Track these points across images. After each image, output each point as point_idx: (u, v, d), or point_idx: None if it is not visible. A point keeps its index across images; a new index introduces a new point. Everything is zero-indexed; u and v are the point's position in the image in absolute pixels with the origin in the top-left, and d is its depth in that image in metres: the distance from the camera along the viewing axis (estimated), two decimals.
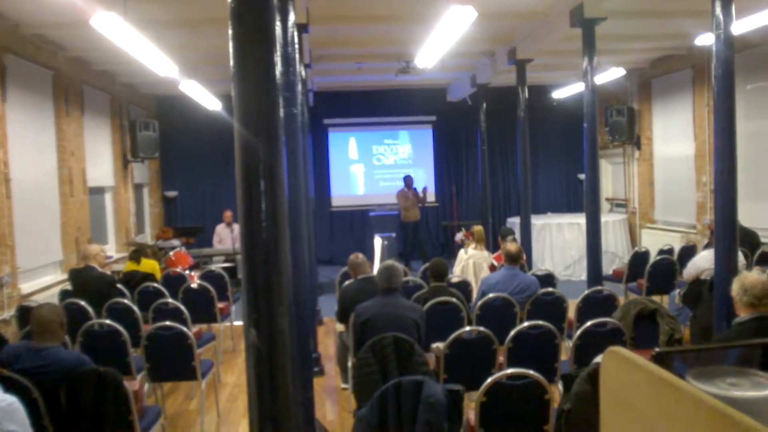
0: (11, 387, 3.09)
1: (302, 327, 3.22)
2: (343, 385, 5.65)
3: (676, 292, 6.55)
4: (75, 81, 8.05)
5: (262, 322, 1.82)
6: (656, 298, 6.49)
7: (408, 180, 11.55)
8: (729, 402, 0.82)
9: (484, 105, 10.33)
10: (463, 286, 6.09)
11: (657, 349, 1.07)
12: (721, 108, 4.46)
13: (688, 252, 7.68)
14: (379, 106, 12.43)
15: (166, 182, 12.10)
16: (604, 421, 1.04)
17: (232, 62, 1.92)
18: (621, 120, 10.75)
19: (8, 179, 6.17)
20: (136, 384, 3.74)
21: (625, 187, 11.68)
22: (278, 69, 1.96)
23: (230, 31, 1.89)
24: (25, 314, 5.52)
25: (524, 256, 6.29)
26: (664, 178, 10.54)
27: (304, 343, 3.34)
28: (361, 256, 5.57)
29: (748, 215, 7.01)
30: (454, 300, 5.01)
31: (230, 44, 1.90)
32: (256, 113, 1.89)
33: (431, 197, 12.98)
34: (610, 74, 9.49)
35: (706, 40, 7.22)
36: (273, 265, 1.82)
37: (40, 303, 5.01)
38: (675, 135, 10.08)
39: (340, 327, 5.43)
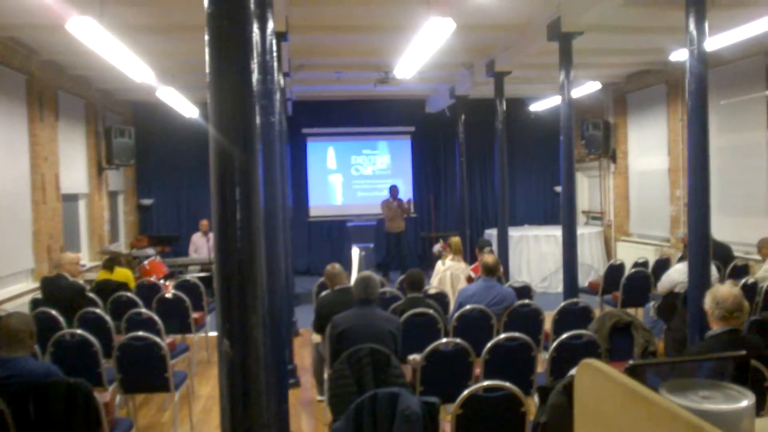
0: None
1: (278, 338, 3.18)
2: (319, 397, 5.61)
3: (651, 304, 6.61)
4: (49, 86, 7.94)
5: (235, 333, 1.80)
6: (631, 310, 6.54)
7: (394, 190, 11.58)
8: (702, 415, 0.82)
9: (463, 116, 10.38)
10: (441, 298, 6.09)
11: (631, 362, 1.07)
12: (694, 123, 4.53)
13: (663, 265, 7.77)
14: (358, 116, 12.44)
15: (141, 190, 11.96)
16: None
17: (208, 69, 1.91)
18: (597, 134, 10.88)
19: None
20: (107, 395, 3.67)
21: (601, 200, 11.81)
22: (255, 77, 1.95)
23: (206, 37, 1.88)
24: None
25: (501, 268, 6.31)
26: (638, 192, 10.68)
27: (280, 354, 3.31)
28: (338, 266, 5.54)
29: (720, 229, 7.12)
30: (431, 311, 5.00)
31: (206, 50, 1.88)
32: (231, 120, 1.87)
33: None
34: (586, 88, 9.62)
35: (680, 55, 7.35)
36: (247, 275, 1.80)
37: (9, 312, 4.90)
38: (649, 149, 10.23)
39: (316, 338, 5.40)
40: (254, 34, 1.91)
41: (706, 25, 4.48)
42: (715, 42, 6.16)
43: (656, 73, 9.68)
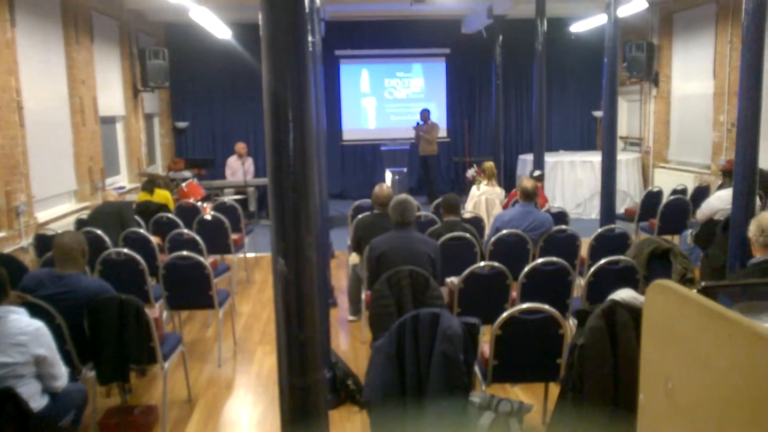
0: (35, 312, 3.16)
1: (322, 258, 3.25)
2: (351, 317, 5.76)
3: (688, 232, 6.55)
4: (83, 7, 7.88)
5: (290, 252, 1.84)
6: (668, 237, 6.50)
7: (424, 114, 11.47)
8: None
9: (500, 38, 10.07)
10: (476, 222, 6.11)
11: (703, 283, 1.07)
12: (749, 45, 4.32)
13: (702, 192, 7.64)
14: (392, 37, 12.15)
15: (176, 113, 12.00)
16: (646, 354, 1.05)
17: None
18: (640, 56, 10.49)
19: (21, 107, 6.13)
20: (155, 311, 3.81)
21: (641, 125, 11.52)
22: None
23: None
24: (42, 242, 5.61)
25: (540, 193, 6.28)
26: (680, 117, 10.38)
27: (323, 273, 3.39)
28: (386, 187, 5.54)
29: (764, 156, 6.92)
30: (467, 235, 5.03)
31: None
32: (283, 42, 1.84)
33: (443, 132, 12.87)
34: (632, 7, 9.20)
35: None
36: (301, 196, 1.82)
37: (59, 231, 5.08)
38: (694, 72, 9.86)
39: (353, 259, 5.48)
40: None
41: None
42: None
43: None
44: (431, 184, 11.61)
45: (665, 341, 0.97)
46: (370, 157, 12.54)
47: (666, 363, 0.97)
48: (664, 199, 7.29)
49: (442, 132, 12.86)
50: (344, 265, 7.21)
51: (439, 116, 12.91)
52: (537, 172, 7.42)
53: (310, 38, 3.31)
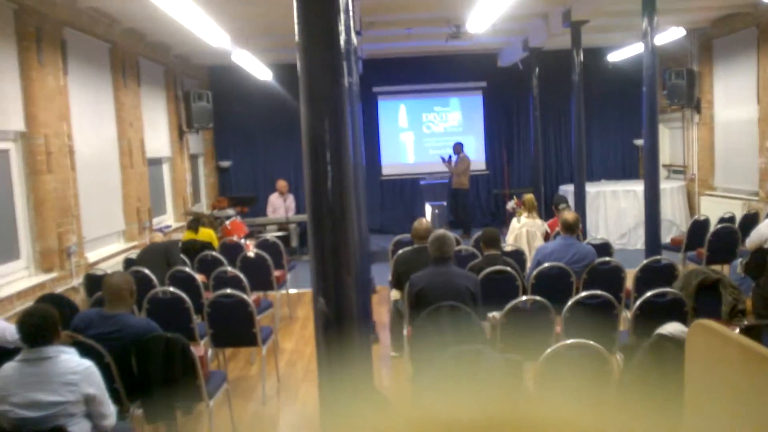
0: (85, 352, 3.25)
1: (363, 295, 3.26)
2: (393, 353, 5.73)
3: (738, 261, 6.36)
4: (131, 53, 8.21)
5: (329, 291, 1.86)
6: (717, 267, 6.32)
7: (457, 147, 11.49)
8: None
9: (537, 69, 10.10)
10: (518, 255, 6.05)
11: (746, 323, 1.05)
12: None
13: (751, 220, 7.42)
14: (429, 72, 12.28)
15: (219, 152, 12.29)
16: (689, 394, 1.03)
17: (297, 30, 1.92)
18: (680, 83, 10.36)
19: (72, 151, 6.38)
20: (201, 349, 3.88)
21: (684, 152, 11.31)
22: (342, 38, 1.96)
23: (295, 1, 1.89)
24: (92, 282, 5.77)
25: (581, 226, 6.20)
26: (725, 144, 10.16)
27: (364, 310, 3.40)
28: (425, 221, 5.56)
29: None
30: (509, 269, 4.99)
31: (295, 12, 1.90)
32: (321, 83, 1.90)
33: (481, 165, 12.87)
34: (669, 35, 9.14)
35: None
36: (340, 234, 1.85)
37: (109, 272, 5.23)
38: (737, 98, 9.68)
39: (395, 294, 5.49)
40: None
41: None
42: None
43: (745, 17, 9.08)
44: (466, 216, 11.56)
45: (708, 382, 0.96)
46: (409, 191, 12.59)
47: (709, 404, 0.95)
48: (712, 228, 7.12)
49: (481, 165, 12.87)
50: (386, 300, 7.21)
51: (477, 148, 12.92)
52: (562, 205, 7.31)
53: (347, 78, 3.39)
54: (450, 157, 11.49)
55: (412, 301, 4.39)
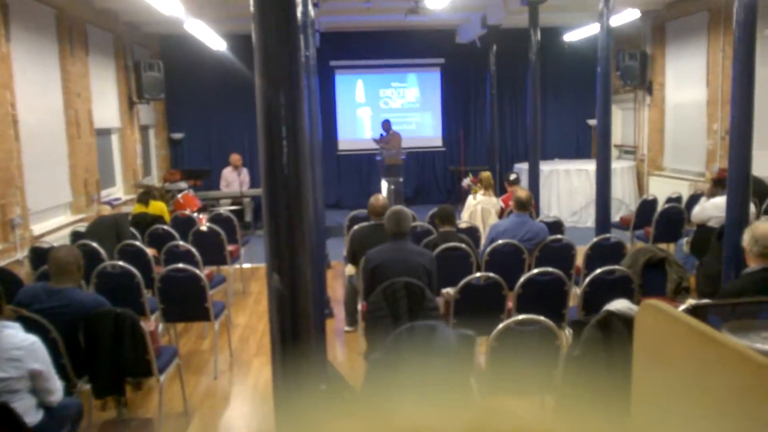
0: (31, 327, 3.16)
1: (318, 271, 3.25)
2: (347, 328, 5.75)
3: (684, 240, 6.57)
4: (78, 19, 7.90)
5: (284, 268, 1.84)
6: (663, 246, 6.52)
7: (386, 124, 11.41)
8: (765, 355, 0.83)
9: (494, 47, 10.13)
10: (472, 232, 6.12)
11: (692, 302, 1.08)
12: (740, 54, 4.36)
13: (697, 200, 7.64)
14: (387, 47, 12.19)
15: (171, 124, 12.00)
16: (638, 373, 1.05)
17: (251, 1, 1.87)
18: (633, 64, 10.55)
19: (16, 120, 6.13)
20: (151, 324, 3.81)
21: (635, 133, 11.57)
22: (299, 9, 1.92)
23: None
24: (37, 255, 5.60)
25: (534, 203, 6.29)
26: (674, 125, 10.43)
27: (319, 286, 3.39)
28: (381, 197, 5.55)
29: (758, 164, 6.95)
30: (463, 246, 5.04)
31: None
32: (277, 56, 1.85)
33: (438, 142, 12.92)
34: (624, 16, 9.26)
35: None
36: (295, 212, 1.83)
37: (56, 245, 5.08)
38: (688, 81, 9.92)
39: (349, 270, 5.49)
40: None
41: None
42: None
43: (698, 1, 9.28)
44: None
45: (656, 361, 0.98)
46: (365, 166, 12.56)
47: (657, 381, 0.98)
48: (659, 207, 7.32)
49: (437, 141, 12.92)
50: (341, 275, 7.21)
51: (434, 125, 12.96)
52: (513, 175, 7.47)
53: (304, 50, 3.33)
54: (382, 135, 11.39)
55: (368, 277, 4.40)
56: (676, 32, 10.17)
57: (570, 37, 11.24)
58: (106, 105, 8.91)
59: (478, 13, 10.05)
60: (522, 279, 4.24)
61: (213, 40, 9.39)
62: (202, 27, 8.37)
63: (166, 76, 10.19)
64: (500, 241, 5.19)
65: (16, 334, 2.92)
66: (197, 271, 4.64)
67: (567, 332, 4.19)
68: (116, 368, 3.59)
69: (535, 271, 4.34)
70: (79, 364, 3.56)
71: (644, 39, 11.01)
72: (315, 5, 7.06)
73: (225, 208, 8.89)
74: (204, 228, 6.58)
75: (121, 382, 3.71)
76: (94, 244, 5.41)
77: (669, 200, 7.56)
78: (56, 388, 3.06)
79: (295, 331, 1.87)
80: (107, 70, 9.10)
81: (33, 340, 2.95)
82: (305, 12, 2.92)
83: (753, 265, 3.53)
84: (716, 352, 0.82)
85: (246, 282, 7.39)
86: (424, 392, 2.96)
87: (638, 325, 1.08)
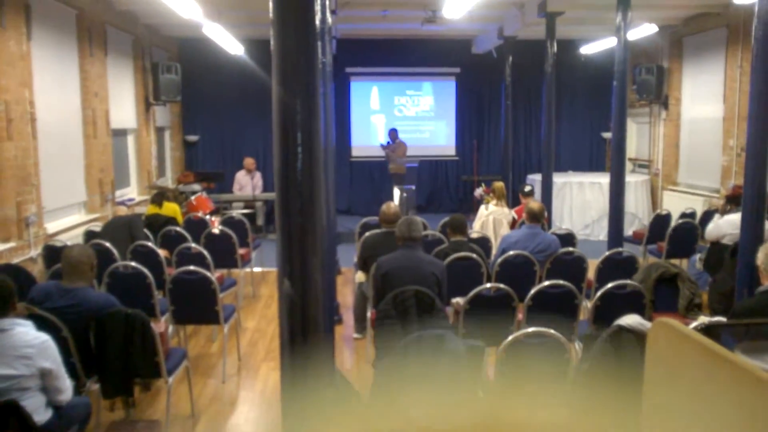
0: (42, 325, 3.18)
1: (328, 277, 3.25)
2: (356, 335, 5.75)
3: (697, 256, 6.52)
4: (98, 21, 7.98)
5: (295, 274, 1.84)
6: (676, 261, 6.47)
7: (392, 133, 11.42)
8: None
9: (510, 58, 10.12)
10: (483, 242, 6.10)
11: (705, 319, 1.07)
12: (759, 70, 4.33)
13: (711, 216, 7.59)
14: (403, 55, 12.21)
15: (187, 126, 12.08)
16: (648, 390, 1.05)
17: (271, 6, 1.88)
18: (650, 78, 10.51)
19: (34, 118, 6.20)
20: (161, 326, 3.83)
21: (650, 147, 11.51)
22: (318, 17, 1.93)
23: None
24: (51, 253, 5.64)
25: (546, 215, 6.27)
26: (689, 140, 10.36)
27: (329, 293, 3.39)
28: (393, 205, 5.55)
29: None
30: (474, 256, 5.03)
31: None
32: (295, 62, 1.86)
33: (451, 151, 12.92)
34: (641, 30, 9.24)
35: None
36: (308, 219, 1.83)
37: (68, 243, 5.12)
38: (704, 96, 9.86)
39: (359, 277, 5.48)
40: None
41: None
42: None
43: (716, 17, 9.23)
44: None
45: (668, 379, 0.97)
46: (378, 173, 12.56)
47: (669, 400, 0.97)
48: (673, 223, 7.27)
49: (451, 151, 12.92)
50: (350, 281, 7.21)
51: (448, 134, 12.97)
52: (527, 187, 7.44)
53: (320, 57, 3.35)
54: (388, 143, 11.41)
55: (378, 284, 4.39)
56: (693, 47, 10.13)
57: (586, 49, 11.22)
58: (122, 106, 8.99)
59: (494, 24, 10.06)
60: (533, 291, 4.22)
61: (231, 45, 9.45)
62: (221, 31, 8.43)
63: (183, 78, 10.27)
64: (511, 252, 5.18)
65: (27, 332, 2.94)
66: (208, 274, 4.66)
67: (577, 346, 4.17)
68: (125, 369, 3.60)
69: (546, 283, 4.31)
70: (89, 364, 3.58)
71: (661, 53, 10.96)
72: (333, 12, 7.10)
73: (237, 211, 8.92)
74: (216, 231, 6.61)
75: (129, 382, 3.73)
76: (107, 244, 5.44)
77: (683, 216, 7.51)
78: (66, 387, 3.08)
79: (305, 336, 1.87)
80: (125, 71, 9.19)
81: (45, 338, 2.97)
82: (323, 19, 2.94)
83: (767, 283, 3.49)
84: (729, 373, 0.81)
85: (256, 286, 7.41)
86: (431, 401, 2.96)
87: (651, 342, 1.08)
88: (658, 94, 10.63)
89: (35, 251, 6.03)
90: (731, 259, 5.07)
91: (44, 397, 3.01)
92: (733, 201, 6.24)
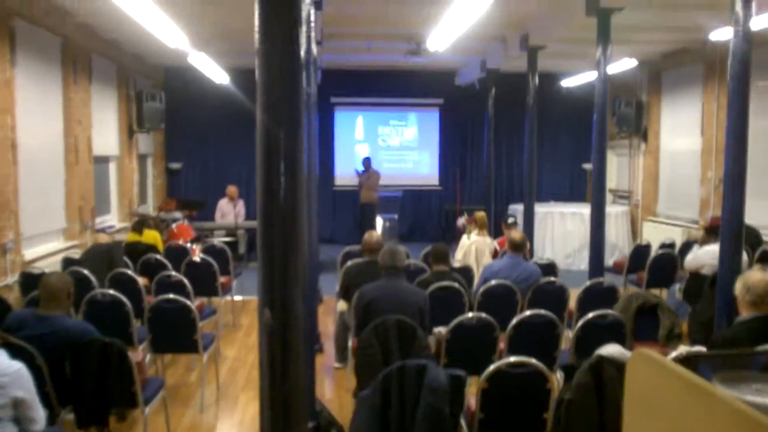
0: (16, 353, 3.11)
1: (309, 306, 3.24)
2: (337, 364, 5.70)
3: (676, 286, 6.57)
4: (83, 48, 7.99)
5: (276, 304, 1.83)
6: (656, 291, 6.52)
7: (366, 162, 11.55)
8: (757, 408, 0.83)
9: (493, 90, 10.27)
10: (466, 272, 6.11)
11: (684, 349, 1.08)
12: (734, 106, 4.43)
13: (690, 247, 7.68)
14: (387, 86, 12.34)
15: (170, 154, 12.06)
16: (628, 421, 1.05)
17: (257, 37, 1.90)
18: (629, 112, 10.71)
19: (15, 144, 6.15)
20: (138, 355, 3.77)
21: (629, 179, 11.67)
22: (303, 48, 1.95)
23: (256, 8, 1.87)
24: (28, 281, 5.56)
25: (528, 245, 6.30)
26: (669, 172, 10.53)
27: (310, 322, 3.37)
28: (375, 235, 5.55)
29: (751, 213, 7.00)
30: (456, 285, 5.03)
31: (256, 21, 1.88)
32: (279, 92, 1.87)
33: (434, 181, 13.00)
34: (621, 65, 9.44)
35: (720, 35, 7.17)
36: (291, 248, 1.83)
37: (46, 271, 5.04)
38: (682, 129, 10.06)
39: (341, 306, 5.45)
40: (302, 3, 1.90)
41: (753, 3, 4.36)
42: (761, 22, 5.98)
43: (694, 53, 9.47)
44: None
45: (647, 410, 0.98)
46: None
47: (648, 431, 0.97)
48: (653, 253, 7.34)
49: (434, 180, 13.01)
50: (332, 310, 7.17)
51: (431, 164, 13.07)
52: (510, 219, 7.48)
53: (305, 87, 3.37)
54: (363, 172, 11.51)
55: (360, 313, 4.37)
56: (672, 82, 10.35)
57: (567, 82, 11.43)
58: (105, 133, 8.96)
59: (478, 57, 10.22)
60: (514, 320, 4.22)
61: (216, 73, 9.50)
62: (206, 60, 8.48)
63: (167, 106, 10.29)
64: (493, 282, 5.18)
65: (1, 360, 2.87)
66: (188, 303, 4.61)
67: (558, 375, 4.16)
68: (101, 398, 3.53)
69: (528, 312, 4.32)
70: (64, 393, 3.50)
71: (640, 87, 11.19)
72: (318, 44, 7.18)
73: (219, 239, 8.87)
74: (197, 259, 6.56)
75: (105, 412, 3.65)
76: (86, 272, 5.38)
77: (662, 246, 7.59)
78: (39, 417, 3.00)
79: (285, 367, 1.85)
80: (109, 99, 9.18)
81: (18, 366, 2.90)
82: (308, 50, 2.97)
83: (745, 313, 3.53)
84: (707, 405, 0.82)
85: (236, 314, 7.34)
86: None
87: (630, 373, 1.08)
88: (638, 126, 10.82)
89: (12, 278, 5.94)
90: (710, 289, 5.11)
91: (16, 428, 2.93)
92: (712, 232, 6.32)
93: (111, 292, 4.74)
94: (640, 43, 9.27)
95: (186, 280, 5.52)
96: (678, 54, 9.88)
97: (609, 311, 4.39)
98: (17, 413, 2.90)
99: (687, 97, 9.83)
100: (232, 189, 10.70)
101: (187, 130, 11.88)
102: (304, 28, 1.93)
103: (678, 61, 9.98)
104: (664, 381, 0.92)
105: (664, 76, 10.52)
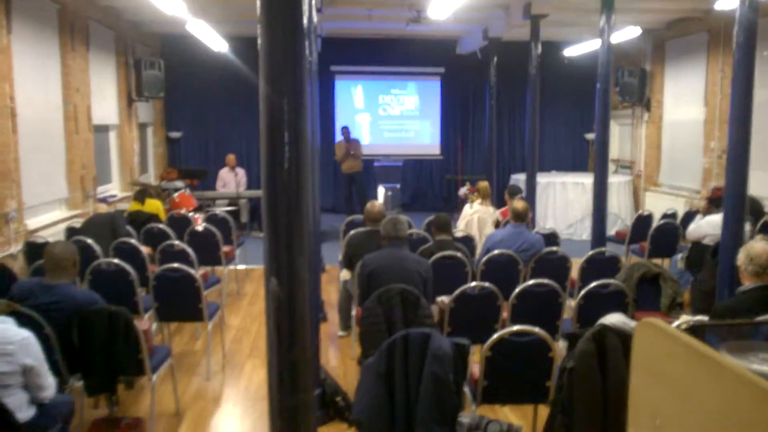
0: (24, 322, 3.15)
1: (313, 275, 3.26)
2: (341, 333, 5.75)
3: (678, 256, 6.60)
4: (80, 16, 7.90)
5: (282, 272, 1.84)
6: (658, 261, 6.55)
7: (345, 131, 11.43)
8: (763, 376, 0.84)
9: (495, 59, 10.17)
10: (468, 241, 6.13)
11: (687, 318, 1.09)
12: (739, 75, 4.39)
13: (692, 217, 7.69)
14: (388, 55, 12.22)
15: (170, 123, 12.00)
16: (634, 389, 1.06)
17: (258, 5, 1.87)
18: (632, 81, 10.62)
19: (14, 113, 6.12)
20: (144, 323, 3.80)
21: (632, 149, 11.63)
22: (306, 16, 1.92)
23: None
24: (32, 250, 5.58)
25: (531, 215, 6.31)
26: (671, 142, 10.49)
27: (314, 291, 3.39)
28: (377, 204, 5.56)
29: (755, 183, 6.99)
30: (459, 255, 5.05)
31: None
32: (283, 62, 1.86)
33: (435, 150, 12.96)
34: (625, 33, 9.33)
35: (726, 3, 7.07)
36: (296, 217, 1.83)
37: (50, 240, 5.06)
38: (686, 99, 9.98)
39: (344, 275, 5.49)
40: None
41: None
42: None
43: (698, 21, 9.35)
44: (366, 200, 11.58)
45: (654, 378, 0.99)
46: (363, 172, 12.54)
47: (654, 399, 0.99)
48: (655, 223, 7.35)
49: (435, 150, 12.97)
50: (335, 279, 7.21)
51: (432, 134, 13.00)
52: (515, 188, 7.44)
53: (310, 57, 3.34)
54: (344, 140, 11.37)
55: (363, 282, 4.40)
56: (675, 51, 10.24)
57: (570, 51, 11.31)
58: (105, 101, 8.91)
59: (479, 26, 10.10)
60: (517, 290, 4.25)
61: (214, 41, 9.40)
62: (205, 27, 8.38)
63: (166, 74, 10.20)
64: (496, 251, 5.20)
65: (9, 328, 2.91)
66: (192, 271, 4.64)
67: (561, 344, 4.20)
68: (109, 366, 3.57)
69: (531, 282, 4.34)
70: (72, 361, 3.54)
71: (644, 56, 11.08)
72: (318, 10, 7.09)
73: (221, 209, 8.88)
74: (199, 228, 6.57)
75: (113, 380, 3.70)
76: (89, 241, 5.40)
77: (664, 216, 7.59)
78: (48, 384, 3.05)
79: (292, 335, 1.87)
80: (107, 67, 9.10)
81: (26, 335, 2.94)
82: (309, 17, 2.93)
83: (747, 283, 3.55)
84: (715, 373, 0.83)
85: (240, 283, 7.38)
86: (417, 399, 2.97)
87: (636, 342, 1.09)
88: (641, 96, 10.74)
89: (16, 248, 5.96)
90: (712, 259, 5.13)
91: (27, 395, 2.98)
92: (714, 202, 6.33)
93: (115, 261, 4.76)
94: (644, 11, 9.16)
95: (189, 249, 5.54)
96: (682, 22, 9.76)
97: (611, 281, 4.42)
98: (27, 380, 2.95)
99: (691, 66, 9.74)
100: (230, 157, 10.69)
101: (186, 98, 11.81)
102: None
103: (682, 29, 9.86)
104: (672, 350, 0.93)
105: (668, 45, 10.41)
